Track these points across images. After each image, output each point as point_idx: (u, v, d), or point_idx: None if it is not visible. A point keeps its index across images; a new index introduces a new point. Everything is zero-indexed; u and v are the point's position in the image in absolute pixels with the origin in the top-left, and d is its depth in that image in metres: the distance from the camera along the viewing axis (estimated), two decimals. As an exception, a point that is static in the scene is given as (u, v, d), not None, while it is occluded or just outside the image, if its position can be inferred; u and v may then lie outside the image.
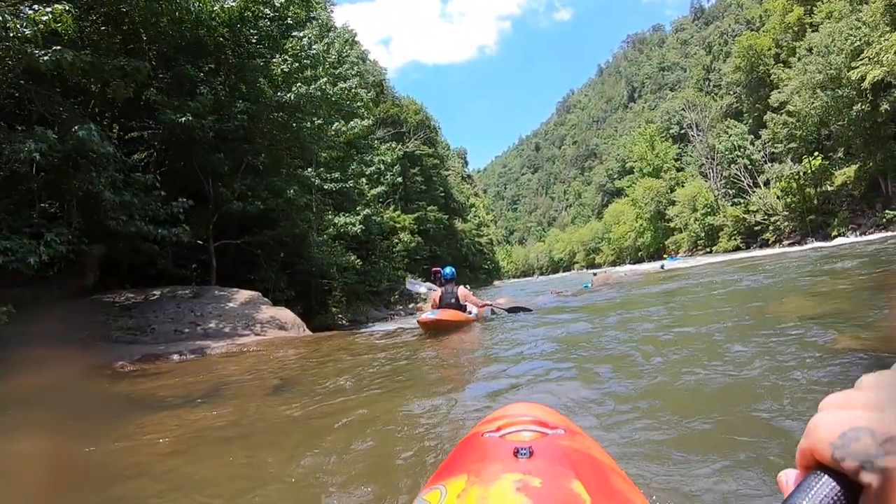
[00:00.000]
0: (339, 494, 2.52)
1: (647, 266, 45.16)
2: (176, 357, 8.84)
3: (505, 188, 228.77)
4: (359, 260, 24.26)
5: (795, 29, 54.38)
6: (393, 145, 33.54)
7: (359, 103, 20.69)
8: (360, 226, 24.20)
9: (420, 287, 31.89)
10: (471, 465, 1.10)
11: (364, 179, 25.68)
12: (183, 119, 12.36)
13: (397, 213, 35.65)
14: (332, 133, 18.34)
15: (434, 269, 36.42)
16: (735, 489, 2.13)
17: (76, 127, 8.92)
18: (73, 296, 11.89)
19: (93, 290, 14.68)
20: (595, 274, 30.68)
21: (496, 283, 78.00)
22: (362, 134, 22.44)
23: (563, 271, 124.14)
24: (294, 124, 15.86)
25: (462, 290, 10.93)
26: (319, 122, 17.06)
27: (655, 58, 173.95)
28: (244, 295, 13.04)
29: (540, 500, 0.88)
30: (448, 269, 11.81)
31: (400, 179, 34.17)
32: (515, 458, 1.07)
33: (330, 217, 23.80)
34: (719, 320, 6.27)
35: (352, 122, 19.18)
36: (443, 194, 57.64)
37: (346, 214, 24.31)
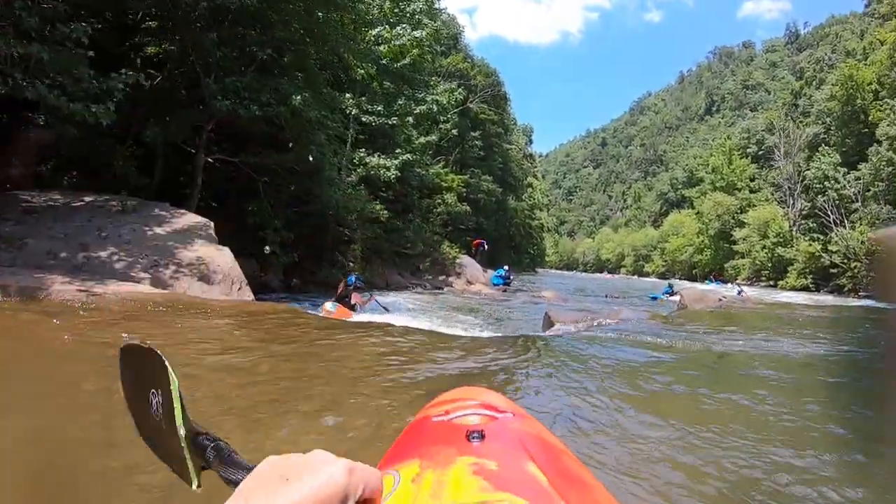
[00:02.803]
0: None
1: (703, 286, 39.69)
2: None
3: (564, 178, 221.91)
4: (386, 212, 19.90)
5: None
6: (453, 87, 28.79)
7: (416, 4, 15.90)
8: (396, 171, 19.78)
9: (461, 259, 27.53)
10: (422, 449, 1.08)
11: (411, 119, 21.08)
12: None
13: (445, 169, 31.04)
14: (371, 39, 13.90)
15: (476, 240, 31.89)
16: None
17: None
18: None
19: (29, 184, 11.45)
20: (671, 287, 24.87)
21: (538, 270, 73.30)
22: (413, 49, 17.66)
23: (608, 273, 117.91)
24: (320, 13, 11.45)
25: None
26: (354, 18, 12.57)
27: (741, 74, 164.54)
28: (186, 221, 9.06)
29: (497, 482, 0.84)
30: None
31: (455, 132, 29.38)
32: (468, 441, 1.06)
33: (362, 155, 19.49)
34: None
35: (398, 29, 14.56)
36: (501, 166, 52.96)
37: (382, 156, 19.92)
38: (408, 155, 20.66)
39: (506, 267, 27.00)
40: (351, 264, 19.79)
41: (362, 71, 17.14)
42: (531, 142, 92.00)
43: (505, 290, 24.05)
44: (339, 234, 19.49)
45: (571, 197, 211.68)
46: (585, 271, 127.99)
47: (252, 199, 14.95)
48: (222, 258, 8.40)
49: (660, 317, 12.35)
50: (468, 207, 35.62)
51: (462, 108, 26.76)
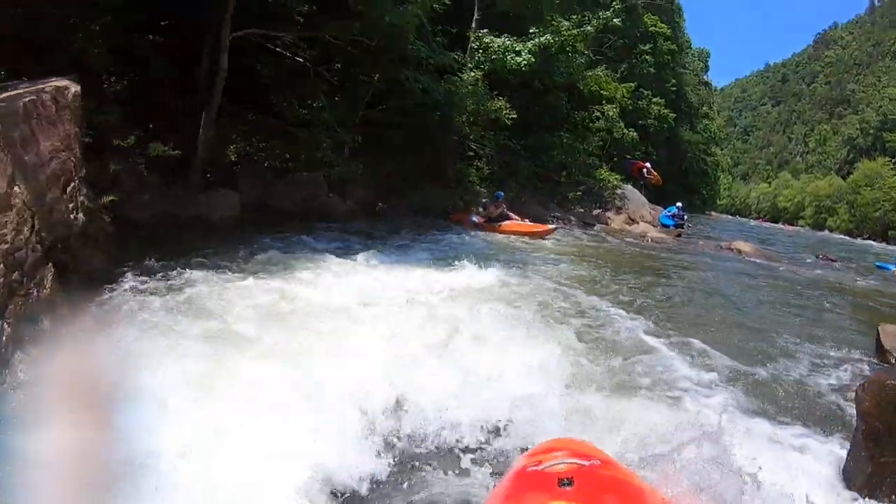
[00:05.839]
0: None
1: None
2: None
3: (740, 115, 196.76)
4: (514, 112, 13.81)
5: None
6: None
7: None
8: (530, 57, 13.55)
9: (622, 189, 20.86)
10: (519, 496, 1.24)
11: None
12: None
13: (605, 72, 23.77)
14: None
15: (638, 162, 24.34)
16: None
17: None
18: None
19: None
20: None
21: (711, 213, 62.55)
22: None
23: (784, 223, 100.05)
24: None
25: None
26: None
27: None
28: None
29: None
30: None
31: (618, 22, 21.79)
32: (559, 487, 1.17)
33: (481, 36, 13.50)
34: None
35: None
36: (674, 89, 43.62)
37: (510, 37, 13.76)
38: (548, 35, 14.24)
39: (679, 204, 20.02)
40: (478, 188, 14.18)
41: None
42: (707, 68, 78.20)
43: (679, 236, 17.69)
44: (452, 144, 13.83)
45: (747, 137, 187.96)
46: (758, 219, 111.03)
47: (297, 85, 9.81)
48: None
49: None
50: (635, 134, 28.22)
51: (611, 22, 19.48)
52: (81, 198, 4.15)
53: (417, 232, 10.36)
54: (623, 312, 5.52)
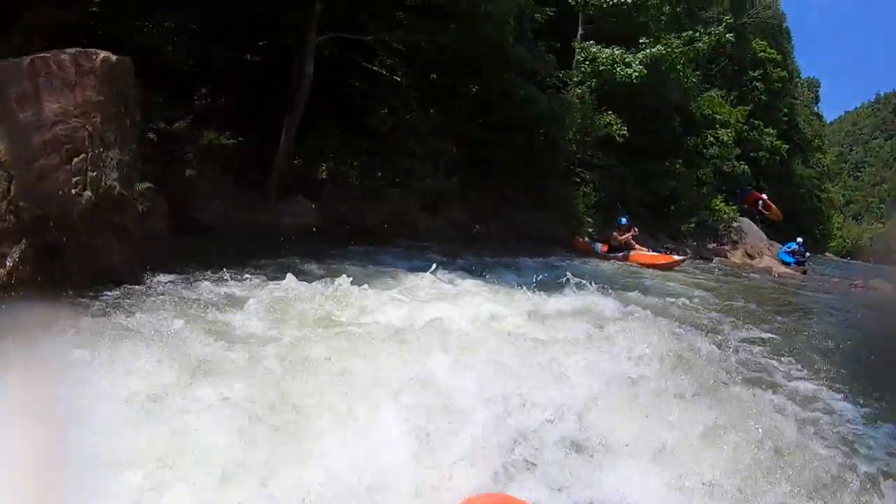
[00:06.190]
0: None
1: None
2: None
3: (850, 150, 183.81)
4: (624, 127, 12.31)
5: None
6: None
7: None
8: (641, 68, 12.08)
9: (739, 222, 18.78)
10: None
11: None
12: None
13: (719, 92, 21.76)
14: None
15: (753, 194, 22.16)
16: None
17: None
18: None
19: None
20: None
21: (826, 254, 57.06)
22: None
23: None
24: None
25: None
26: None
27: None
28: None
29: None
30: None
31: (729, 45, 19.88)
32: None
33: (587, 47, 12.18)
34: None
35: None
36: (786, 119, 40.50)
37: (617, 48, 12.36)
38: (660, 46, 12.74)
39: (799, 240, 18.02)
40: (589, 219, 12.75)
41: None
42: (818, 99, 72.74)
43: (805, 273, 15.92)
44: (558, 166, 12.47)
45: (859, 173, 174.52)
46: (870, 262, 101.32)
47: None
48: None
49: None
50: (746, 167, 25.91)
51: (735, 24, 17.80)
52: (94, 173, 3.17)
53: (534, 257, 9.17)
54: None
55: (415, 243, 8.27)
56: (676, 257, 11.40)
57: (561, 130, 11.18)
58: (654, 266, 10.69)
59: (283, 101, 7.85)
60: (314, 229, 7.66)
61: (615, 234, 11.42)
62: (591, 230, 12.33)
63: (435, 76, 10.30)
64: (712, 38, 17.66)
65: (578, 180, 13.13)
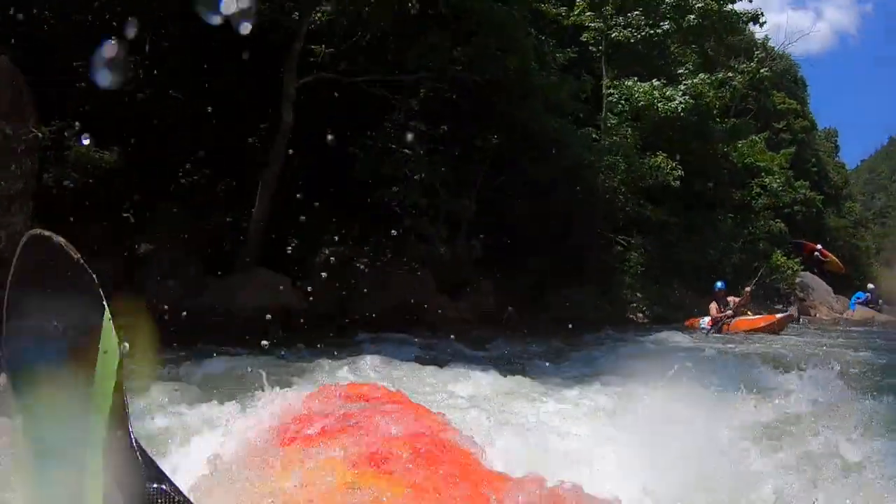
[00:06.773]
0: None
1: None
2: None
3: (872, 198, 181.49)
4: (679, 168, 10.41)
5: None
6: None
7: None
8: (686, 98, 10.37)
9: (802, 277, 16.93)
10: None
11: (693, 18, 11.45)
12: None
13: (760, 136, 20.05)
14: None
15: (809, 244, 20.96)
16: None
17: None
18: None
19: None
20: None
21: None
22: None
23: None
24: None
25: None
26: None
27: None
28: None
29: None
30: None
31: (762, 76, 18.30)
32: None
33: (619, 84, 10.52)
34: None
35: None
36: (815, 169, 39.03)
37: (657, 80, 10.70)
38: (702, 75, 11.05)
39: (871, 286, 19.26)
40: (638, 295, 10.71)
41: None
42: (837, 148, 71.13)
43: None
44: (595, 236, 10.46)
45: (884, 219, 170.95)
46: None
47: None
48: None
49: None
50: (782, 224, 24.00)
51: (758, 74, 16.44)
52: None
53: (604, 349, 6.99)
54: None
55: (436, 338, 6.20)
56: (780, 315, 10.11)
57: (597, 179, 9.24)
58: (758, 330, 9.45)
59: (255, 157, 6.12)
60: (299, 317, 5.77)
61: (714, 303, 10.19)
62: (644, 309, 10.25)
63: (446, 128, 8.56)
64: (745, 76, 16.04)
65: (623, 247, 11.07)
